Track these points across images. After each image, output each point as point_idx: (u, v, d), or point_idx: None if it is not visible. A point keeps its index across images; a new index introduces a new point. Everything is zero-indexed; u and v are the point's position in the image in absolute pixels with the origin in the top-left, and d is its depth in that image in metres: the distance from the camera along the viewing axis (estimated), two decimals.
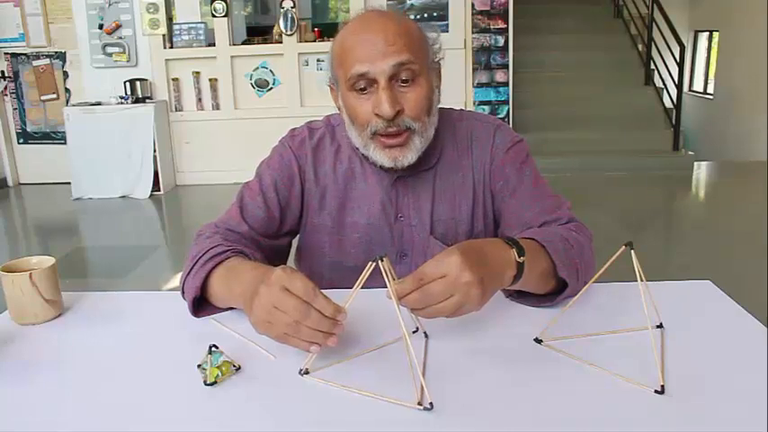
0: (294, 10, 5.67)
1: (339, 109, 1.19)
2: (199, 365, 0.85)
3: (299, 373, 0.84)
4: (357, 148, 1.18)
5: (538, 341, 0.91)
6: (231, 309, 1.03)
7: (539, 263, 0.99)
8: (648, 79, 6.62)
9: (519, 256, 0.93)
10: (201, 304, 1.04)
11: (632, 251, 0.84)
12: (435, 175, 1.22)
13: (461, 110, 1.29)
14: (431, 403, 0.75)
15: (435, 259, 0.85)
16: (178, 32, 5.80)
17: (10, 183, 6.17)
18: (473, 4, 5.72)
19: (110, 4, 5.70)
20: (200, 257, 1.04)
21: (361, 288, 0.82)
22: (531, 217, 1.17)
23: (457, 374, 0.84)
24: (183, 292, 1.05)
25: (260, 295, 0.83)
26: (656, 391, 0.77)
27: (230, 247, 1.06)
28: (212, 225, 1.19)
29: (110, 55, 5.78)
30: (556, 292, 1.04)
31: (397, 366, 0.86)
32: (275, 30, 5.86)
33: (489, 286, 0.87)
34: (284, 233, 1.25)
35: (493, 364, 0.86)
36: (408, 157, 1.12)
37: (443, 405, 0.76)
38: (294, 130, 1.27)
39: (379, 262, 0.80)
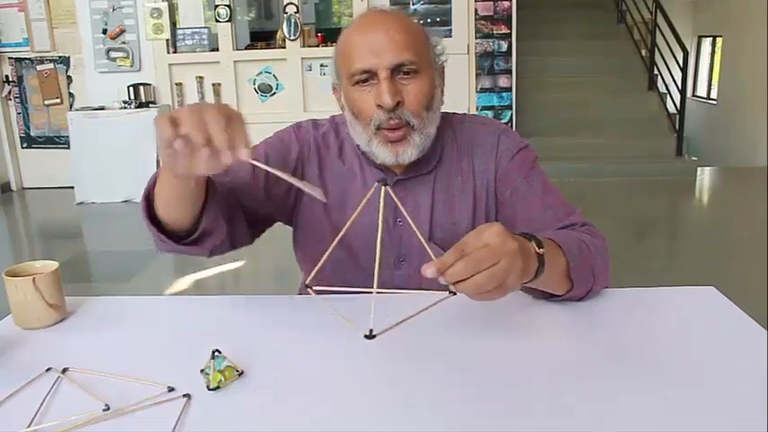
0: (297, 15, 5.69)
1: (342, 108, 1.19)
2: (202, 370, 0.85)
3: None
4: (358, 147, 1.18)
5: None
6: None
7: (557, 260, 0.96)
8: (652, 85, 6.61)
9: (538, 248, 0.89)
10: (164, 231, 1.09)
11: None
12: (435, 178, 1.21)
13: (464, 114, 1.29)
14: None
15: (474, 232, 0.82)
16: (182, 37, 5.82)
17: (13, 187, 6.18)
18: (476, 10, 5.72)
19: (113, 9, 5.72)
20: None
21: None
22: (543, 225, 1.14)
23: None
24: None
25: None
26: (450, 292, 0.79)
27: None
28: None
29: (113, 60, 5.80)
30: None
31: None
32: (279, 35, 5.87)
33: (525, 265, 0.83)
34: (269, 208, 1.20)
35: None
36: (409, 152, 1.12)
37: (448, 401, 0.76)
38: (300, 122, 1.28)
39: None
